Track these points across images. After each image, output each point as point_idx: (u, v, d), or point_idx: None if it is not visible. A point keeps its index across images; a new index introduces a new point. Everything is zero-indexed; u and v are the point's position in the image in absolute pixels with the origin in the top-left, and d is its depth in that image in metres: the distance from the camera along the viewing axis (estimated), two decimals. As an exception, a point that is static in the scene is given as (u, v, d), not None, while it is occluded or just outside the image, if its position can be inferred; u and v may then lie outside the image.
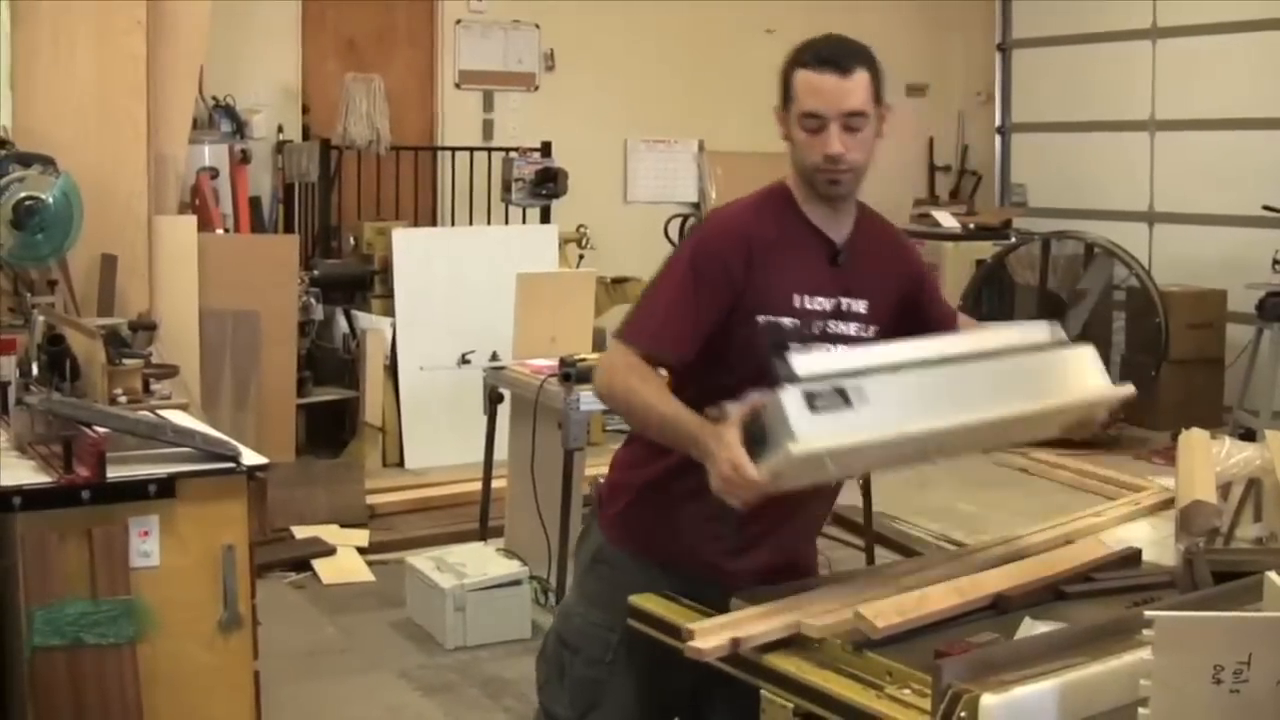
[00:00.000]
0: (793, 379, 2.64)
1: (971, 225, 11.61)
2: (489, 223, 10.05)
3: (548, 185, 9.63)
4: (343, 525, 7.49)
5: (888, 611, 2.66)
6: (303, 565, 7.07)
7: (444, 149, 10.45)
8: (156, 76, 7.29)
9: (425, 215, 10.24)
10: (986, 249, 10.98)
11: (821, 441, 2.62)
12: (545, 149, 9.79)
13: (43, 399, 4.11)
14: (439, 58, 10.65)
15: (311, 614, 6.58)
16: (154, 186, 7.32)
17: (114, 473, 3.85)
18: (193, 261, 7.10)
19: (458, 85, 10.69)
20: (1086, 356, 3.00)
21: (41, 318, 4.64)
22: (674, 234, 10.46)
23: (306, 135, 9.80)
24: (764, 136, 10.90)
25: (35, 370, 4.39)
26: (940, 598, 2.78)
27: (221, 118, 9.14)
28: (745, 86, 11.11)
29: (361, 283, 8.97)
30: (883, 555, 6.84)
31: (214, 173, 8.60)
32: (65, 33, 7.05)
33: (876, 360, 2.78)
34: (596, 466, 7.43)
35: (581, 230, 9.69)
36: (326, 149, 9.51)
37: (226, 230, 8.43)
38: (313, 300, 8.37)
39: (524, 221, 9.86)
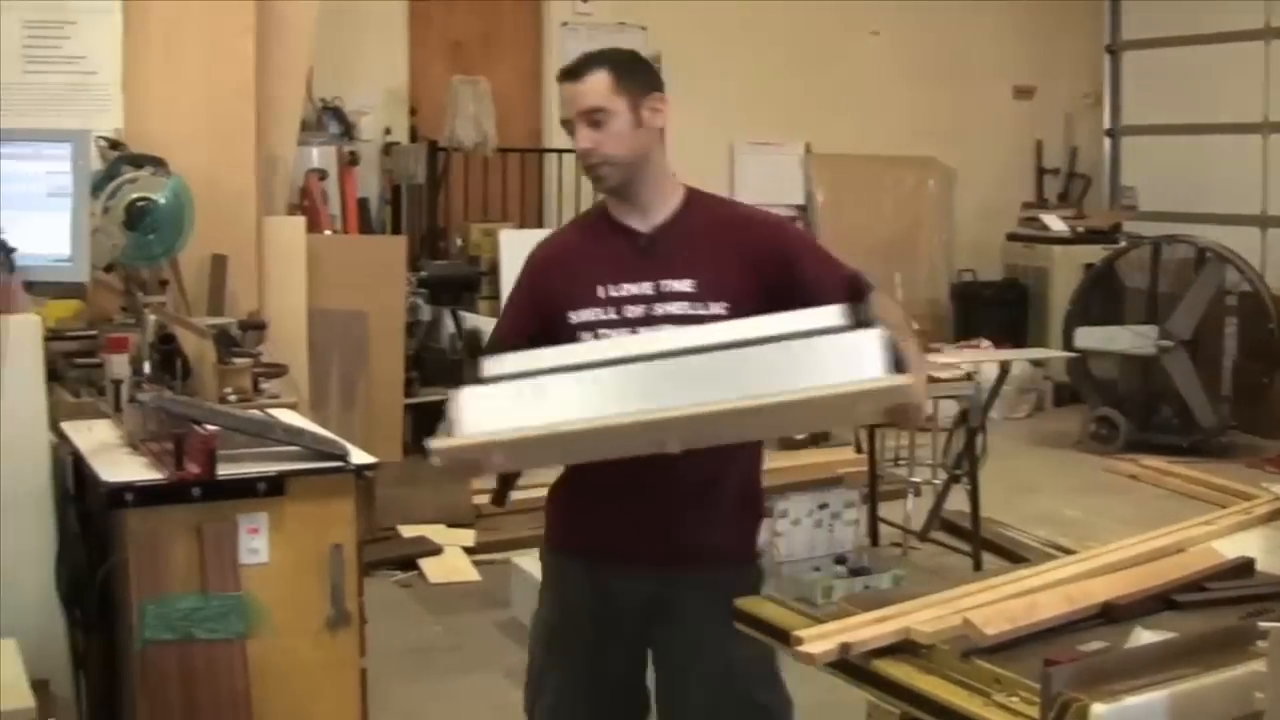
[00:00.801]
0: (477, 379, 2.92)
1: (1081, 229, 11.49)
2: (595, 225, 10.04)
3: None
4: (449, 525, 7.54)
5: (996, 618, 2.63)
6: (409, 564, 7.13)
7: (550, 151, 10.48)
8: (265, 78, 7.33)
9: (531, 217, 10.29)
10: (1096, 253, 10.86)
11: (478, 436, 2.86)
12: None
13: (154, 397, 4.16)
14: (545, 59, 10.69)
15: (418, 613, 6.62)
16: (263, 187, 7.37)
17: (224, 470, 3.89)
18: (302, 262, 7.13)
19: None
20: (866, 343, 2.83)
21: (153, 317, 4.69)
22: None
23: (414, 137, 9.86)
24: (870, 138, 10.91)
25: (147, 368, 4.44)
26: (1049, 605, 2.74)
27: (330, 120, 9.22)
28: (851, 88, 11.10)
29: (468, 284, 9.02)
30: (990, 561, 6.78)
31: (322, 174, 8.66)
32: (176, 36, 7.11)
33: (585, 358, 2.92)
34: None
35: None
36: (434, 151, 9.57)
37: (335, 231, 8.49)
38: (420, 301, 8.43)
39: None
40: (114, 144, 6.36)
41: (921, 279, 11.48)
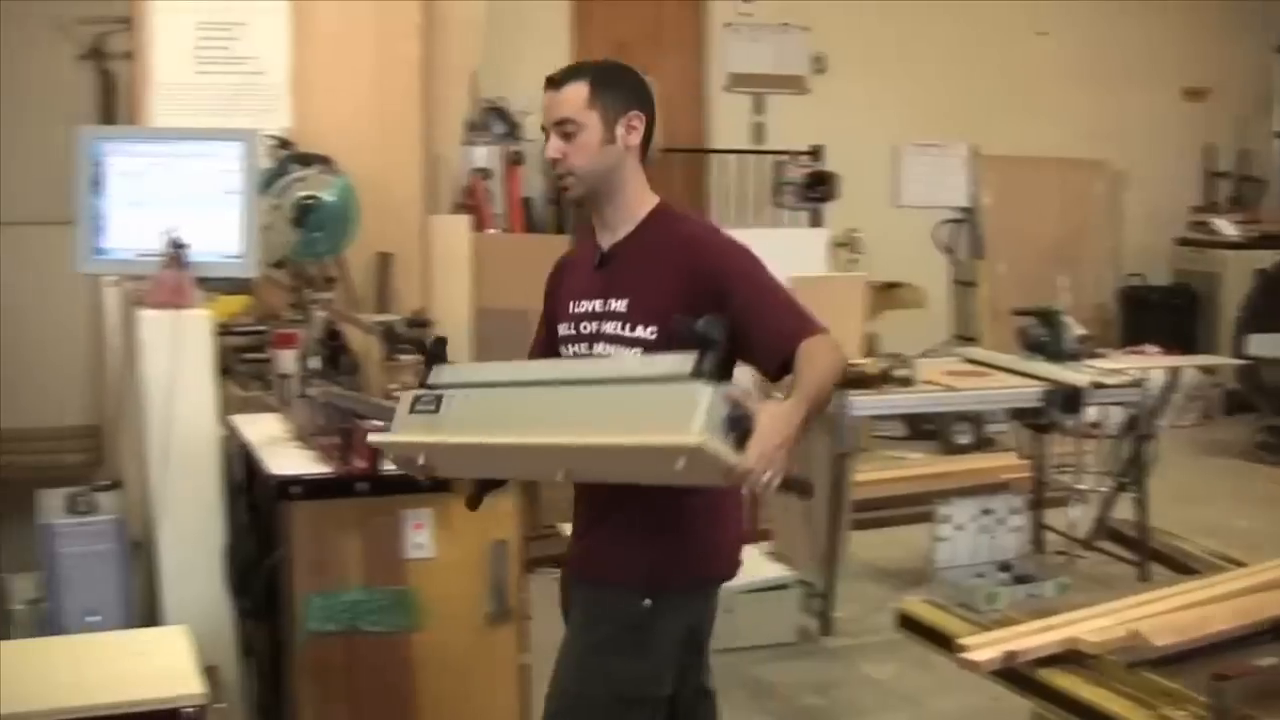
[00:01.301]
0: (421, 383, 3.18)
1: (1254, 233, 11.25)
2: (759, 226, 10.03)
3: (819, 189, 9.59)
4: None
5: (1165, 630, 2.59)
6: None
7: (714, 152, 10.47)
8: (431, 78, 7.40)
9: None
10: (1268, 258, 10.62)
11: (398, 437, 3.17)
12: (816, 152, 9.75)
13: (322, 392, 4.22)
14: (708, 60, 10.68)
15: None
16: (428, 187, 7.44)
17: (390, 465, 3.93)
18: (466, 260, 7.18)
19: (726, 88, 10.70)
20: (686, 398, 2.72)
21: (321, 313, 4.75)
22: (944, 239, 10.34)
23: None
24: (1037, 140, 10.74)
25: (315, 364, 4.50)
26: (1221, 618, 2.69)
27: (494, 120, 9.28)
28: (1018, 89, 10.97)
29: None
30: (1157, 572, 6.64)
31: (487, 174, 8.73)
32: (344, 36, 7.20)
33: (487, 378, 3.17)
34: (866, 472, 7.40)
35: (852, 234, 9.60)
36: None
37: (499, 230, 8.55)
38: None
39: (794, 225, 9.82)
40: (283, 143, 6.45)
41: (1089, 283, 11.28)
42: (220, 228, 4.59)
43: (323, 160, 6.08)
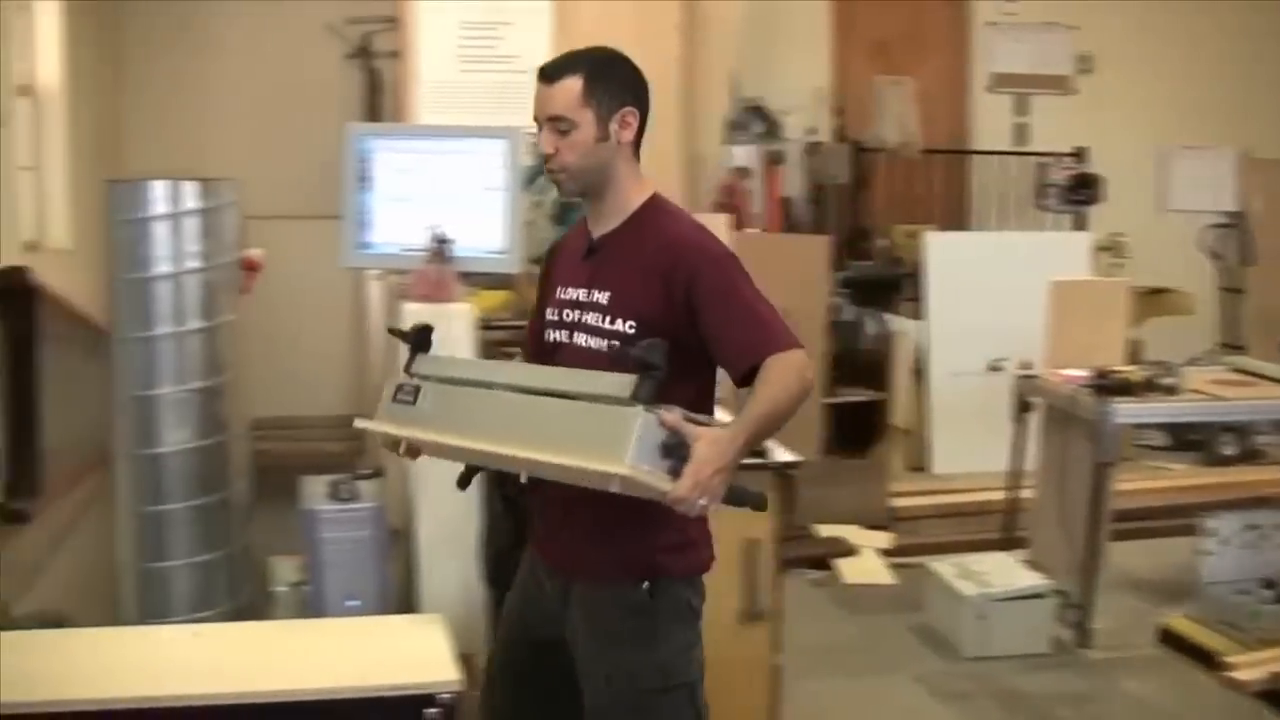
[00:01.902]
0: (406, 372, 3.24)
1: None
2: (1021, 228, 9.85)
3: (1083, 191, 9.39)
4: (865, 526, 7.49)
5: None
6: (823, 563, 7.10)
7: (975, 153, 10.32)
8: (691, 77, 7.42)
9: (956, 219, 10.14)
10: None
11: (378, 426, 3.23)
12: (1080, 154, 9.54)
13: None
14: (970, 60, 10.52)
15: (831, 612, 6.60)
16: (688, 185, 7.46)
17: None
18: (725, 259, 7.19)
19: (989, 88, 10.54)
20: (624, 422, 2.77)
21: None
22: (1211, 245, 10.04)
23: (839, 137, 9.84)
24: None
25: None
26: None
27: (753, 119, 9.26)
28: (1292, 92, 10.57)
29: (892, 285, 8.95)
30: None
31: (746, 173, 8.71)
32: (604, 35, 7.19)
33: (458, 374, 3.19)
34: (1127, 481, 7.22)
35: (1116, 238, 9.37)
36: (857, 151, 9.53)
37: (758, 230, 8.53)
38: (842, 301, 8.40)
39: (1057, 228, 9.63)
40: (545, 140, 6.51)
41: (1368, 291, 10.85)
42: (483, 224, 4.65)
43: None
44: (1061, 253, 8.78)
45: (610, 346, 3.13)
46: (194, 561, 4.98)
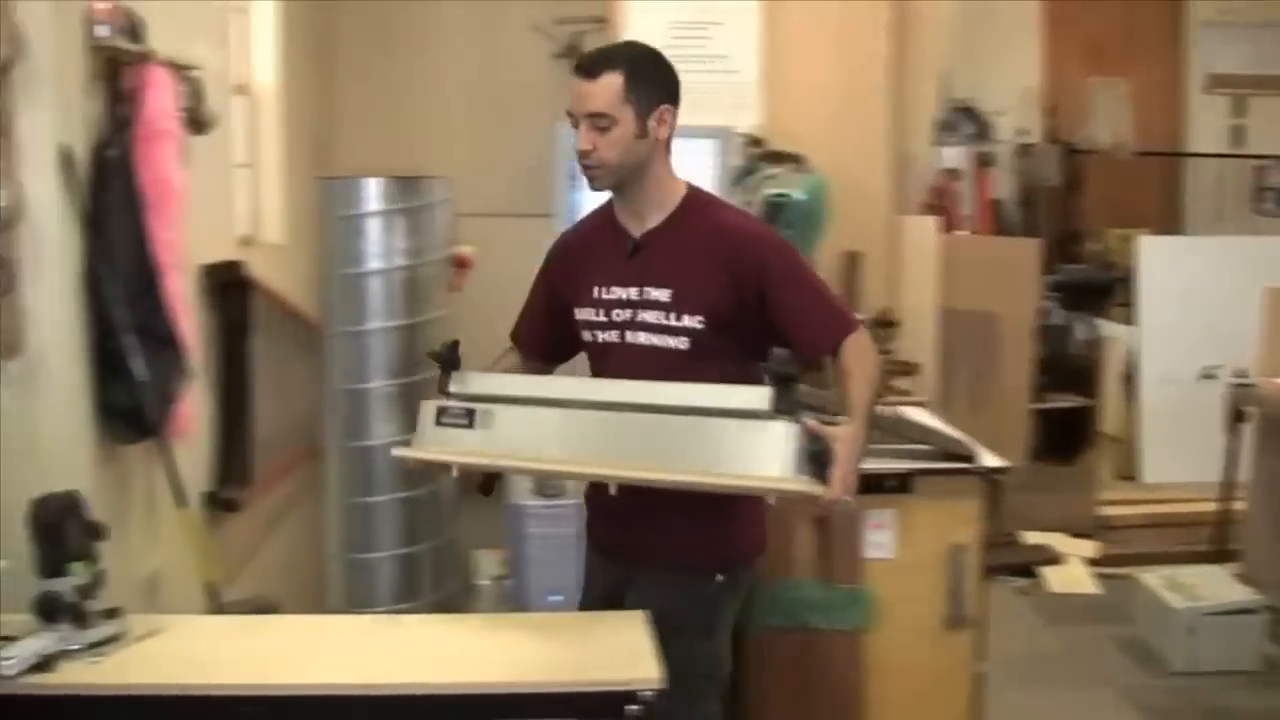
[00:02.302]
0: (441, 391, 3.18)
1: None
2: (1237, 233, 9.61)
3: (1302, 195, 9.16)
4: (1071, 534, 7.38)
5: None
6: (1027, 571, 7.00)
7: (1190, 155, 10.09)
8: (901, 77, 7.37)
9: (1170, 222, 9.93)
10: None
11: (428, 452, 3.15)
12: (1298, 157, 9.31)
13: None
14: (1186, 60, 10.29)
15: (1034, 621, 6.50)
16: (897, 186, 7.41)
17: (853, 463, 3.90)
18: (934, 261, 7.12)
19: (1205, 89, 10.29)
20: (778, 437, 2.84)
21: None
22: None
23: (1050, 138, 9.69)
24: None
25: (781, 359, 4.50)
26: None
27: (964, 120, 9.16)
28: None
29: (1104, 290, 8.78)
30: None
31: (956, 174, 8.63)
32: (814, 34, 7.24)
33: (539, 393, 3.12)
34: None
35: (1336, 244, 9.09)
36: (1069, 153, 9.38)
37: (968, 232, 8.44)
38: (1052, 305, 8.27)
39: (1274, 233, 9.38)
40: (754, 140, 6.52)
41: None
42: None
43: (794, 158, 6.11)
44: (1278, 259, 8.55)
45: (684, 343, 3.16)
46: (399, 553, 5.07)
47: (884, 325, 5.51)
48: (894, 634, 4.09)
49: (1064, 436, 8.19)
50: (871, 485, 3.92)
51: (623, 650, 2.81)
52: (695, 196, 3.30)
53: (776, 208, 5.71)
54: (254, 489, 5.63)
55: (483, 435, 3.11)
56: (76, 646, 2.77)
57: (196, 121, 4.79)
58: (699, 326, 3.17)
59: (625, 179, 3.22)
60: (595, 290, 3.30)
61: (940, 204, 8.20)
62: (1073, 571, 7.07)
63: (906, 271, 7.22)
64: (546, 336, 3.48)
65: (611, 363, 3.26)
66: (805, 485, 2.85)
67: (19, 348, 3.87)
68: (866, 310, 6.32)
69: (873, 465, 3.96)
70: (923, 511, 4.02)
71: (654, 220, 3.26)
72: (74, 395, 4.00)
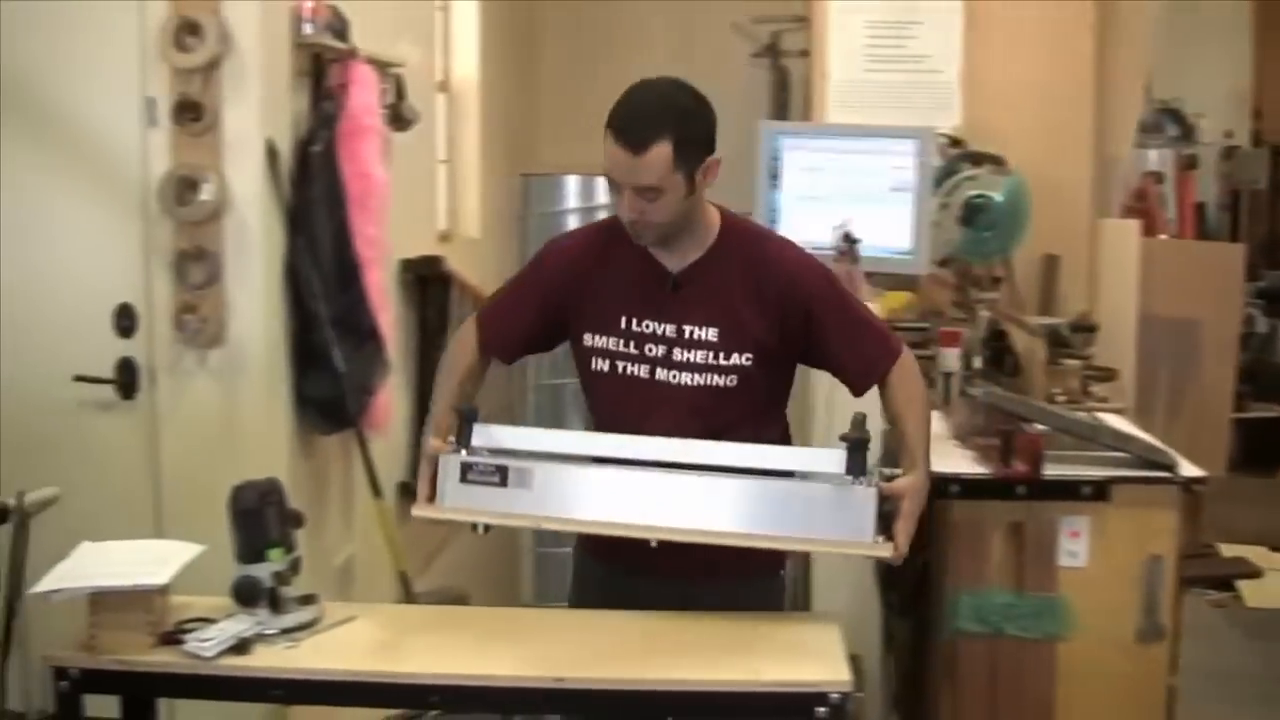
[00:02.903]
0: (462, 447, 3.00)
1: None
2: None
3: None
4: (1270, 548, 7.23)
5: None
6: (1225, 584, 6.88)
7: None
8: (1104, 78, 7.26)
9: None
10: None
11: (456, 511, 2.98)
12: None
13: (985, 392, 4.19)
14: None
15: (1230, 636, 6.39)
16: (1098, 188, 7.30)
17: (1050, 470, 3.89)
18: (1135, 266, 7.00)
19: None
20: (859, 503, 2.86)
21: (986, 313, 4.73)
22: None
23: (1257, 141, 9.49)
24: None
25: (977, 363, 4.49)
26: None
27: (1167, 121, 9.01)
28: None
29: (1309, 296, 8.61)
30: None
31: (1159, 177, 8.48)
32: (1016, 33, 7.15)
33: (577, 449, 3.01)
34: None
35: None
36: (1276, 156, 9.18)
37: (1170, 236, 8.29)
38: (1256, 312, 8.11)
39: None
40: (954, 141, 6.47)
41: None
42: (890, 224, 4.64)
43: (994, 159, 6.05)
44: None
45: (732, 380, 3.08)
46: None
47: (1082, 330, 5.43)
48: (1086, 644, 4.04)
49: (1265, 447, 8.02)
50: (1067, 492, 3.90)
51: (813, 651, 2.82)
52: (731, 226, 3.17)
53: (975, 209, 5.66)
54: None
55: (542, 497, 3.00)
56: (272, 631, 2.83)
57: (399, 118, 4.89)
58: (747, 364, 3.09)
59: (674, 232, 3.10)
60: (624, 321, 3.15)
61: (1142, 207, 8.06)
62: (1272, 586, 6.93)
63: (1106, 275, 7.10)
64: (522, 340, 3.34)
65: (637, 397, 3.14)
66: (877, 548, 2.88)
67: (222, 338, 3.99)
68: (1064, 314, 6.23)
69: (1068, 472, 3.95)
70: (1119, 520, 3.97)
71: (693, 255, 3.13)
72: (275, 385, 4.12)
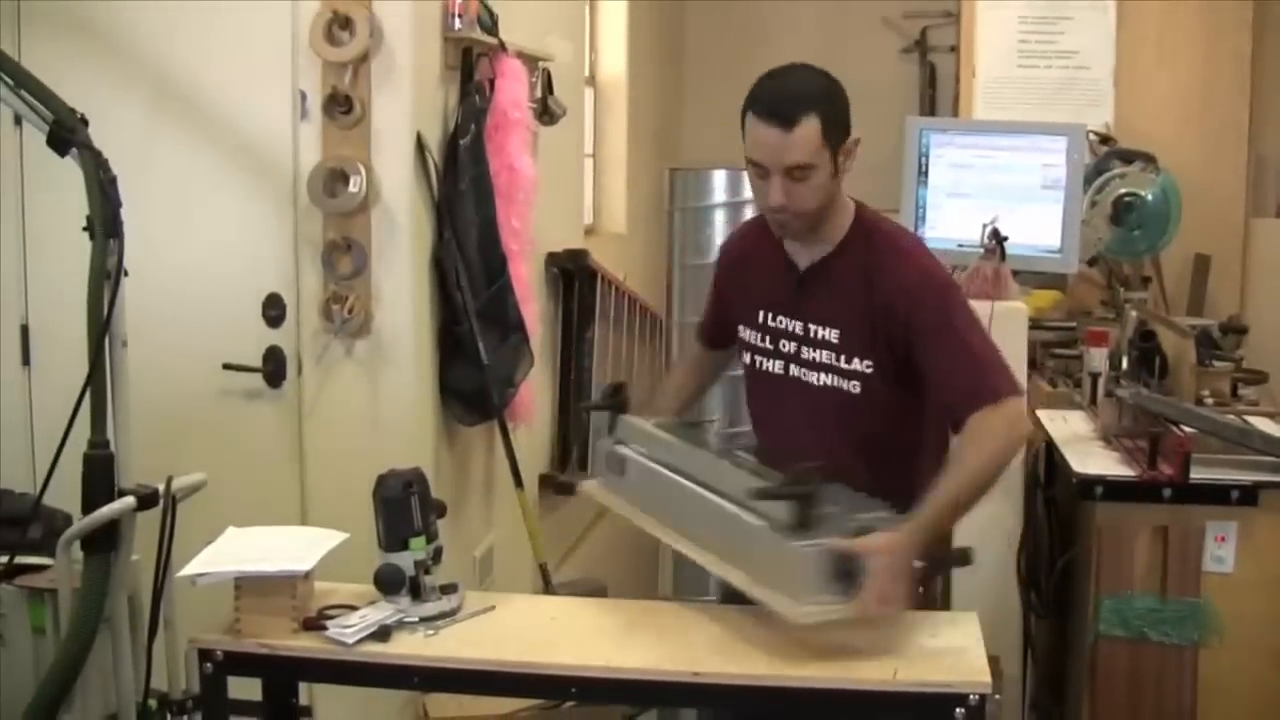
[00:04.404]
0: (610, 434, 3.23)
1: None
2: None
3: None
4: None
5: None
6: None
7: None
8: (1260, 76, 7.13)
9: None
10: None
11: (599, 495, 3.29)
12: None
13: (1132, 393, 4.14)
14: None
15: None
16: (1252, 188, 7.17)
17: (1197, 474, 3.82)
18: (1287, 267, 6.89)
19: None
20: (791, 560, 2.67)
21: (1134, 313, 4.67)
22: None
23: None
24: None
25: (1125, 364, 4.43)
26: None
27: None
28: None
29: None
30: None
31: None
32: (1170, 31, 7.06)
33: (670, 455, 3.09)
34: None
35: None
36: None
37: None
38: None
39: None
40: (1104, 139, 6.40)
41: None
42: (1039, 221, 4.60)
43: (1145, 157, 5.97)
44: None
45: (855, 386, 3.02)
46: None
47: (1233, 332, 5.34)
48: (1231, 652, 3.96)
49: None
50: (1215, 496, 3.83)
51: (953, 651, 2.79)
52: (861, 221, 3.09)
53: (1126, 207, 5.60)
54: (592, 474, 5.76)
55: (631, 486, 3.18)
56: (413, 619, 2.85)
57: (547, 112, 4.92)
58: (868, 371, 3.01)
59: (821, 221, 3.05)
60: (761, 315, 3.18)
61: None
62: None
63: (1258, 276, 6.98)
64: (719, 331, 3.43)
65: (780, 395, 3.15)
66: (823, 615, 2.67)
67: (368, 328, 4.04)
68: (1214, 315, 6.13)
69: (1216, 476, 3.88)
70: (1268, 526, 3.88)
71: (822, 250, 3.09)
72: (420, 376, 4.16)
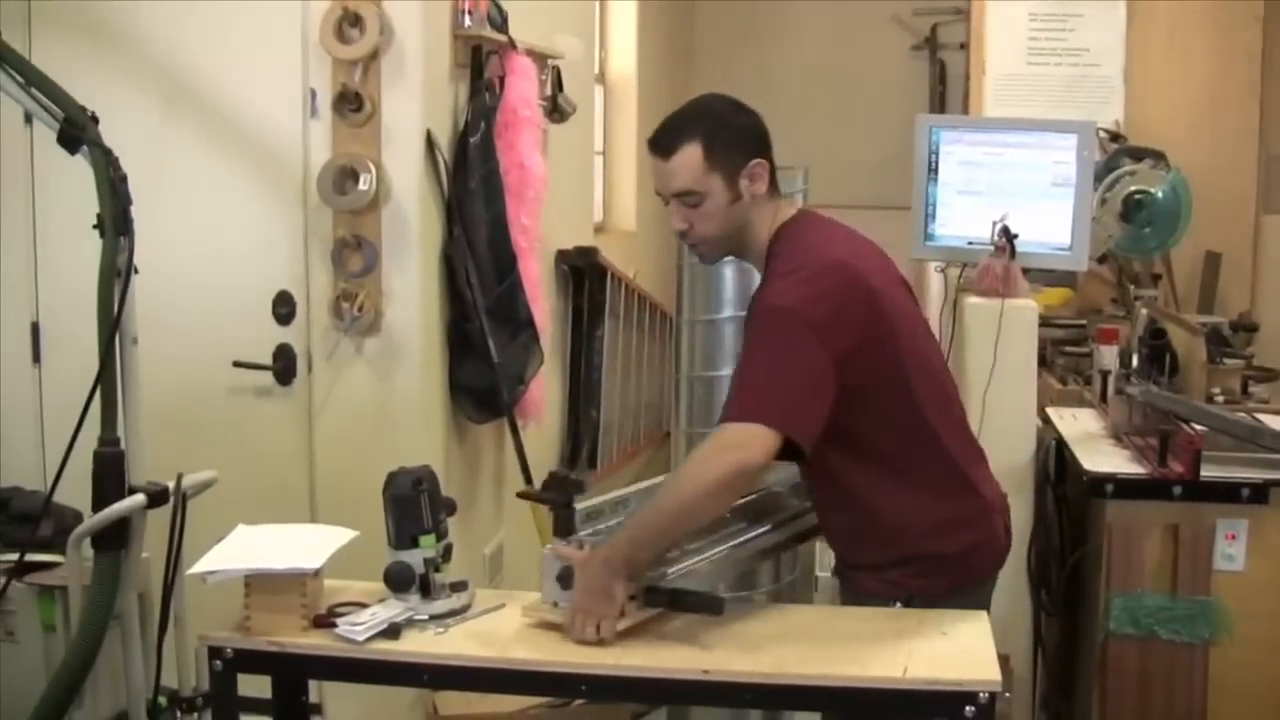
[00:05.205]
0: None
1: None
2: None
3: None
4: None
5: None
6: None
7: None
8: (1271, 73, 7.12)
9: None
10: None
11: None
12: None
13: (1143, 391, 4.13)
14: None
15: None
16: (1262, 185, 7.17)
17: (1208, 472, 3.81)
18: (1300, 264, 6.89)
19: None
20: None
21: (1144, 310, 4.66)
22: None
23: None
24: None
25: (1135, 362, 4.42)
26: None
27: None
28: None
29: None
30: None
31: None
32: (1180, 29, 7.06)
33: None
34: None
35: None
36: None
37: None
38: None
39: None
40: (1114, 136, 6.39)
41: None
42: (1049, 219, 4.56)
43: (1155, 154, 5.96)
44: None
45: None
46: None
47: (1243, 329, 5.34)
48: (1241, 651, 3.95)
49: None
50: (1226, 494, 3.82)
51: (963, 650, 2.79)
52: (775, 241, 3.03)
53: (1136, 205, 5.59)
54: (601, 471, 5.75)
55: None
56: (422, 616, 2.86)
57: (557, 109, 4.92)
58: None
59: (733, 246, 3.05)
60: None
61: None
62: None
63: (1268, 274, 6.98)
64: None
65: None
66: (550, 614, 2.82)
67: (378, 326, 4.05)
68: (1225, 312, 6.13)
69: (1227, 473, 3.87)
70: (1279, 524, 3.88)
71: (758, 276, 3.06)
72: (430, 374, 4.16)
